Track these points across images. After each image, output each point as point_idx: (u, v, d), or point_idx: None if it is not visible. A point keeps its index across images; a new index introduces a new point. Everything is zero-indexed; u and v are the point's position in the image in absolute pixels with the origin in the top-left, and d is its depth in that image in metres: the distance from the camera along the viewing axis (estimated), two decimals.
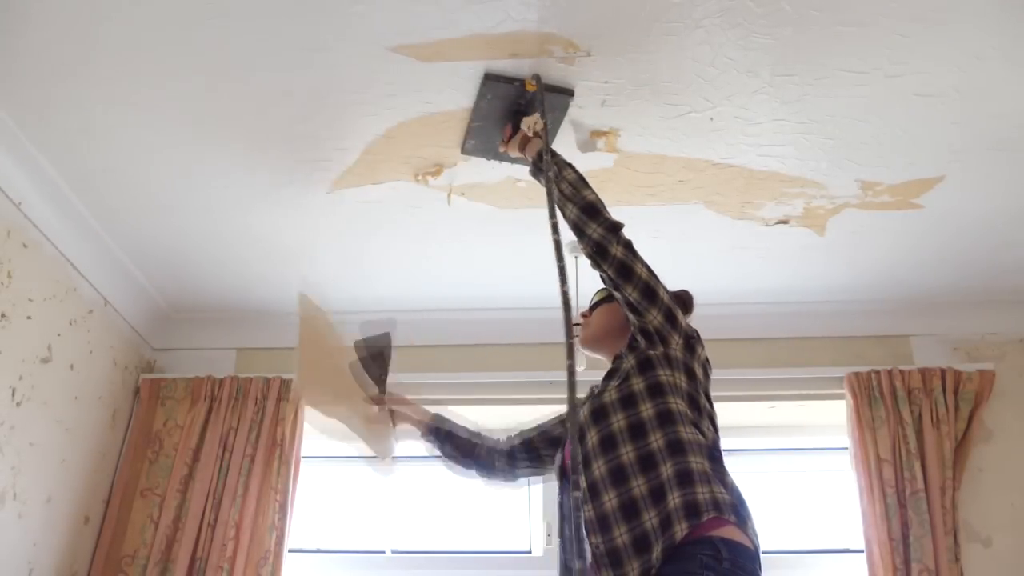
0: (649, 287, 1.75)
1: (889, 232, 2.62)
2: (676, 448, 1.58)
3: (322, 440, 3.16)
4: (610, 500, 1.58)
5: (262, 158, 2.40)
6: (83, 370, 2.80)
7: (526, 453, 2.07)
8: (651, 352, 1.72)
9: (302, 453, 2.93)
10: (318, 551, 3.04)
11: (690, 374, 1.73)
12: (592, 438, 1.66)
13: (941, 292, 2.92)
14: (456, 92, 2.16)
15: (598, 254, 1.79)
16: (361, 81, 2.13)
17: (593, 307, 2.03)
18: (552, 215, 1.71)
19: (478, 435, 2.12)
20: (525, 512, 3.06)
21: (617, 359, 1.81)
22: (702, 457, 1.59)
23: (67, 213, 2.60)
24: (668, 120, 2.23)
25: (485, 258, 2.81)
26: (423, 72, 2.10)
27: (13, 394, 2.46)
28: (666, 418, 1.62)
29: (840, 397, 2.87)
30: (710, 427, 1.69)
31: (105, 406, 2.93)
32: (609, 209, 1.87)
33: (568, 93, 2.14)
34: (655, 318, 1.74)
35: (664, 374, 1.69)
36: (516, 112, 2.17)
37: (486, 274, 2.90)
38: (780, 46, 1.99)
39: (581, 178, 1.90)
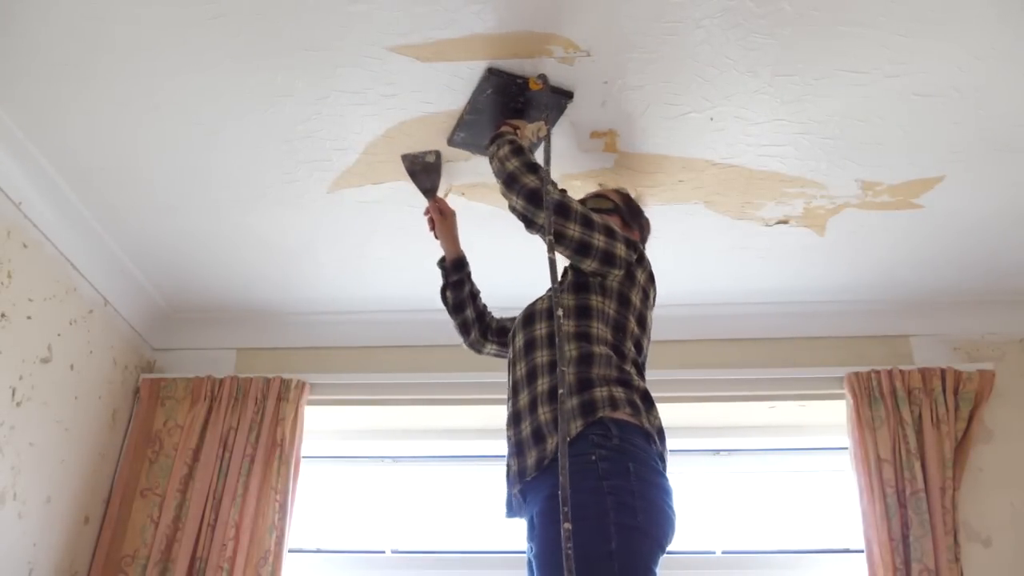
0: (583, 243, 1.84)
1: (889, 232, 2.62)
2: (584, 360, 1.74)
3: (323, 440, 3.17)
4: (523, 397, 1.78)
5: (262, 158, 2.40)
6: (83, 370, 2.80)
7: (499, 336, 2.26)
8: (590, 278, 1.86)
9: (302, 453, 2.93)
10: (318, 551, 3.04)
11: (623, 300, 1.86)
12: (519, 340, 1.87)
13: (941, 292, 2.92)
14: (456, 92, 2.16)
15: (526, 224, 1.90)
16: (361, 81, 2.13)
17: None
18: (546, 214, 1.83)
19: (477, 298, 2.32)
20: None
21: (568, 269, 1.96)
22: (608, 368, 1.74)
23: (67, 213, 2.60)
24: (668, 120, 2.23)
25: (485, 258, 2.80)
26: (423, 72, 2.10)
27: (13, 394, 2.46)
28: (583, 336, 1.78)
29: (840, 397, 2.86)
30: (631, 345, 1.85)
31: (105, 406, 2.93)
32: None
33: (568, 95, 2.13)
34: (590, 265, 1.85)
35: (595, 299, 1.84)
36: (514, 110, 2.15)
37: (486, 274, 2.90)
38: (780, 46, 1.99)
39: (514, 149, 1.95)
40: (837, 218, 2.58)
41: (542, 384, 1.75)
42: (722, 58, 2.03)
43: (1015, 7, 1.87)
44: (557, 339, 1.66)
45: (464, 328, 2.30)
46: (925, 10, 1.88)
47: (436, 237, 2.33)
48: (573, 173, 2.43)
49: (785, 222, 2.61)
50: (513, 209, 1.91)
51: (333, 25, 1.97)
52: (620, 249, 1.87)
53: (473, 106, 2.16)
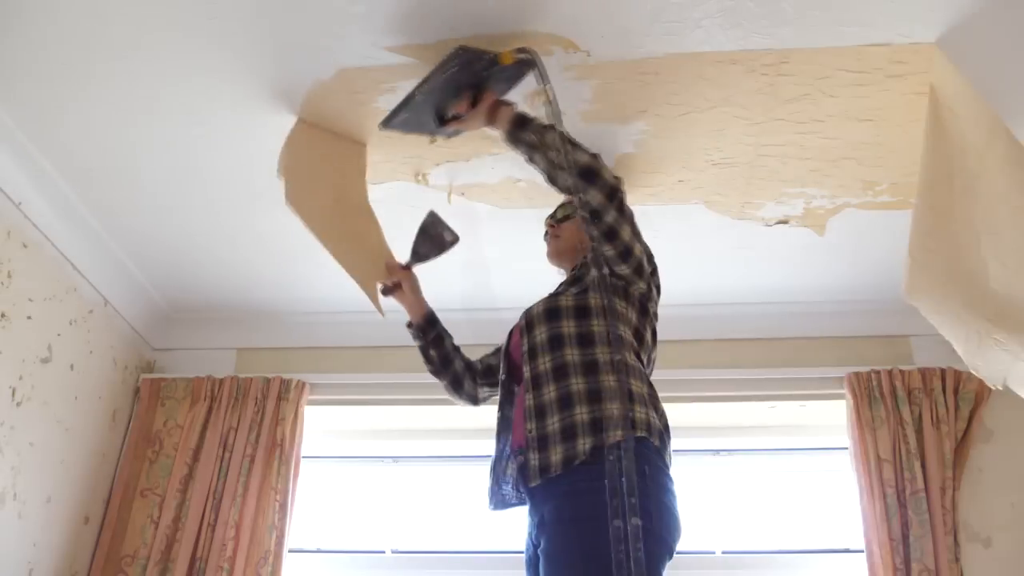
0: (628, 249, 1.83)
1: (889, 232, 2.62)
2: (620, 368, 1.71)
3: (323, 440, 3.17)
4: (550, 392, 1.73)
5: (262, 158, 2.40)
6: (83, 370, 2.80)
7: (487, 377, 2.23)
8: (614, 281, 1.84)
9: (302, 453, 2.93)
10: (318, 551, 3.04)
11: (643, 311, 1.87)
12: (541, 335, 1.81)
13: None
14: None
15: (592, 218, 1.80)
16: (361, 81, 2.13)
17: (561, 220, 2.10)
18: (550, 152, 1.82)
19: (458, 350, 2.26)
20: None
21: (582, 267, 1.92)
22: (642, 382, 1.75)
23: (67, 213, 2.60)
24: (668, 120, 2.23)
25: (485, 258, 2.81)
26: (423, 72, 2.10)
27: (13, 394, 2.46)
28: (616, 340, 1.75)
29: (840, 397, 2.86)
30: (646, 358, 1.87)
31: (105, 406, 2.93)
32: None
33: (530, 64, 1.95)
34: (623, 271, 1.84)
35: (620, 304, 1.82)
36: (471, 86, 1.97)
37: (486, 274, 2.90)
38: (780, 46, 1.99)
39: (564, 137, 1.81)
40: (837, 218, 2.58)
41: (577, 384, 1.71)
42: (722, 58, 2.03)
43: (1014, 6, 1.87)
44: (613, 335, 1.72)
45: (456, 383, 2.24)
46: (924, 10, 1.88)
47: (385, 295, 2.23)
48: None
49: (785, 222, 2.61)
50: (585, 203, 1.78)
51: (333, 25, 1.97)
52: (645, 262, 1.87)
53: (429, 85, 1.96)
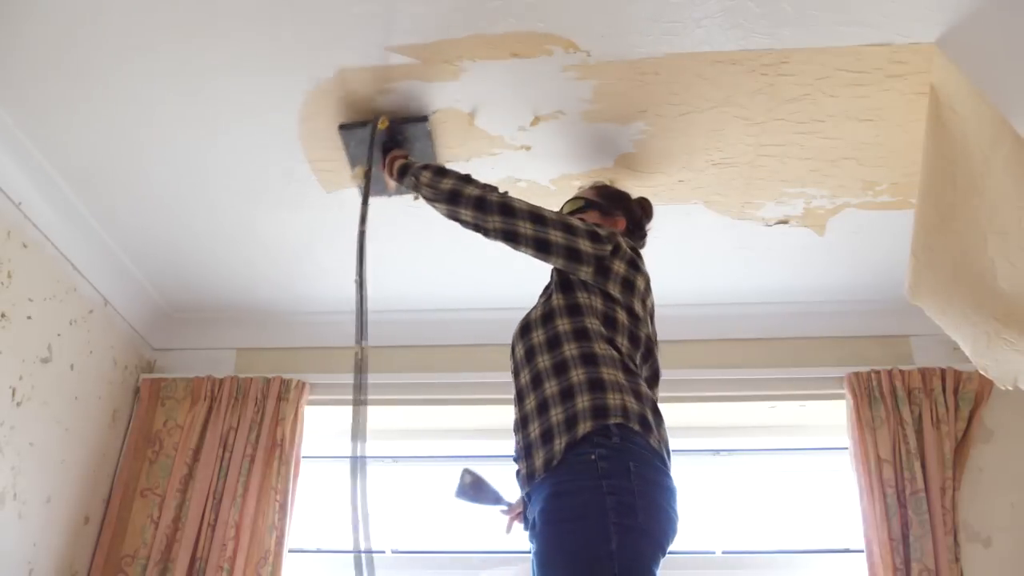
0: (539, 240, 1.85)
1: (889, 232, 2.62)
2: (589, 360, 1.73)
3: (323, 440, 3.17)
4: (530, 402, 1.76)
5: (263, 157, 2.40)
6: (83, 370, 2.80)
7: None
8: (570, 276, 1.87)
9: (302, 453, 2.93)
10: (318, 551, 3.04)
11: (605, 295, 1.84)
12: (519, 351, 1.86)
13: None
14: (456, 92, 2.16)
15: (481, 232, 1.91)
16: (361, 81, 2.13)
17: None
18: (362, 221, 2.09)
19: None
20: None
21: (553, 271, 1.97)
22: (615, 369, 1.73)
23: (67, 213, 2.60)
24: (668, 120, 2.23)
25: (485, 258, 2.81)
26: (423, 72, 2.10)
27: (13, 394, 2.46)
28: (581, 334, 1.77)
29: (840, 397, 2.86)
30: (625, 341, 1.82)
31: (105, 406, 2.93)
32: None
33: (422, 119, 2.19)
34: (556, 261, 1.86)
35: (581, 296, 1.84)
36: (385, 151, 2.23)
37: (486, 274, 2.90)
38: (780, 46, 2.00)
39: (436, 171, 1.99)
40: (837, 218, 2.58)
41: (550, 387, 1.73)
42: (722, 58, 2.03)
43: (1013, 7, 1.87)
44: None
45: None
46: (925, 10, 1.88)
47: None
48: (574, 173, 2.43)
49: (785, 222, 2.61)
50: (466, 223, 1.93)
51: (334, 25, 1.97)
52: (584, 244, 1.83)
53: (353, 160, 2.28)
